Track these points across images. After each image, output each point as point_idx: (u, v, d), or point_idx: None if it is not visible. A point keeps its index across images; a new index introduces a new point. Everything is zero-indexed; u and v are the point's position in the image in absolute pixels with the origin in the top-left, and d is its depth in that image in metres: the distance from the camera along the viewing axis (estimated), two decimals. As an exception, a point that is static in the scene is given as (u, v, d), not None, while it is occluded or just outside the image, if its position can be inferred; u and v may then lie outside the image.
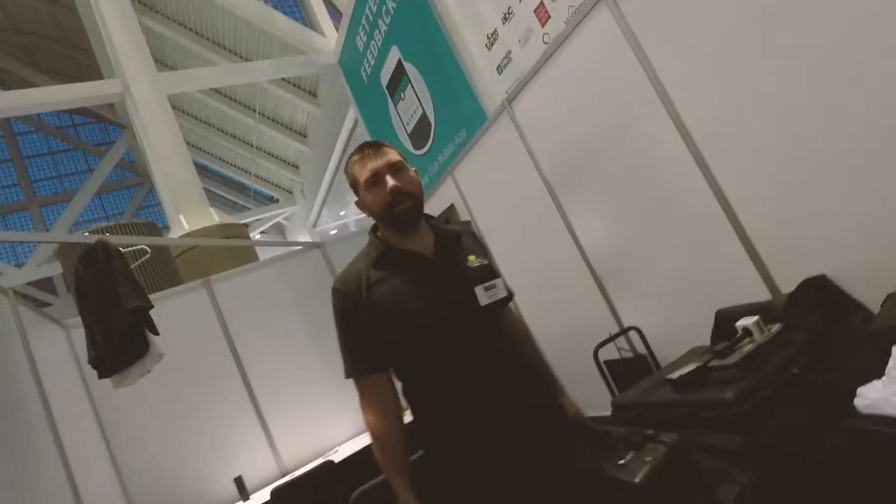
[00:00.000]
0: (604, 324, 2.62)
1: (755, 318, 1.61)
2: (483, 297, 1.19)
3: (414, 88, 4.66)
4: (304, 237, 15.18)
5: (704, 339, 1.98)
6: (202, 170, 15.20)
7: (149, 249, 3.82)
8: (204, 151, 15.39)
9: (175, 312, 3.44)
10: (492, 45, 3.77)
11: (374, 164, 1.22)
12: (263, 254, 6.62)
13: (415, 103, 4.71)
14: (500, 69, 3.73)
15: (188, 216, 6.08)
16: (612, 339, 2.48)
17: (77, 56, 13.93)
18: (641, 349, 2.46)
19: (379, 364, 1.20)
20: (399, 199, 1.20)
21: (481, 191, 3.49)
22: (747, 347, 1.55)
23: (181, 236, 5.76)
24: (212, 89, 11.43)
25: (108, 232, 5.78)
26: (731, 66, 1.79)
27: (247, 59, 10.26)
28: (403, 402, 1.24)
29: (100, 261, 2.57)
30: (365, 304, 1.17)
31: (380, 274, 1.20)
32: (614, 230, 2.49)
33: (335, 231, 15.80)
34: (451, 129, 4.26)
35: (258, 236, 15.87)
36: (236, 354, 3.60)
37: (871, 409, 1.16)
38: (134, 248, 3.82)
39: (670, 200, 2.14)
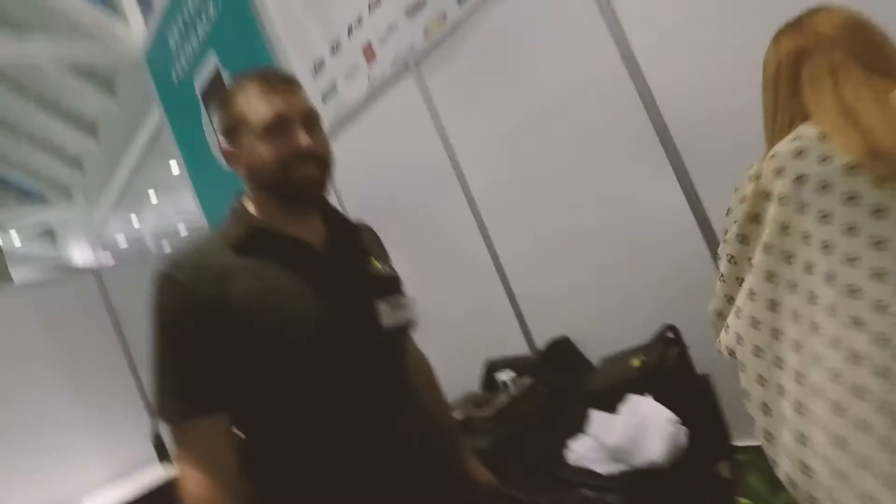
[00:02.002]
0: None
1: (511, 373, 1.84)
2: (387, 314, 0.87)
3: (231, 102, 4.31)
4: (84, 249, 12.90)
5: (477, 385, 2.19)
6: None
7: None
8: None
9: None
10: (318, 72, 3.67)
11: (285, 105, 0.84)
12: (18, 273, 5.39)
13: (231, 118, 4.36)
14: (325, 98, 3.64)
15: None
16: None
17: None
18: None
19: (222, 399, 0.79)
20: (306, 164, 0.83)
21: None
22: (502, 399, 1.73)
23: None
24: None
25: None
26: (510, 147, 2.03)
27: (20, 27, 8.47)
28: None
29: None
30: (216, 305, 0.77)
31: (244, 263, 0.81)
32: (407, 281, 2.62)
33: (126, 246, 13.72)
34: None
35: (18, 244, 12.99)
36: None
37: (573, 461, 1.35)
38: None
39: (457, 257, 2.35)
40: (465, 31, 2.05)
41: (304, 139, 0.83)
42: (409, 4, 2.82)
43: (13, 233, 12.67)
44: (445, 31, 2.12)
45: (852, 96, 0.76)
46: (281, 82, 0.87)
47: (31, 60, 7.61)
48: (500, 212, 2.13)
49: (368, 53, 3.32)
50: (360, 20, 3.29)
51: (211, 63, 4.39)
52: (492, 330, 2.23)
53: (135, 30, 7.64)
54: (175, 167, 10.05)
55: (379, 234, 1.08)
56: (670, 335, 1.49)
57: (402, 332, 0.93)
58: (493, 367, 2.09)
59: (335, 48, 3.53)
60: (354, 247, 0.95)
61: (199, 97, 4.67)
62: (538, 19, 1.85)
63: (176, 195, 11.86)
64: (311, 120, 0.87)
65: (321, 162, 0.86)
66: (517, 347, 2.14)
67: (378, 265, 0.95)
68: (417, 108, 2.26)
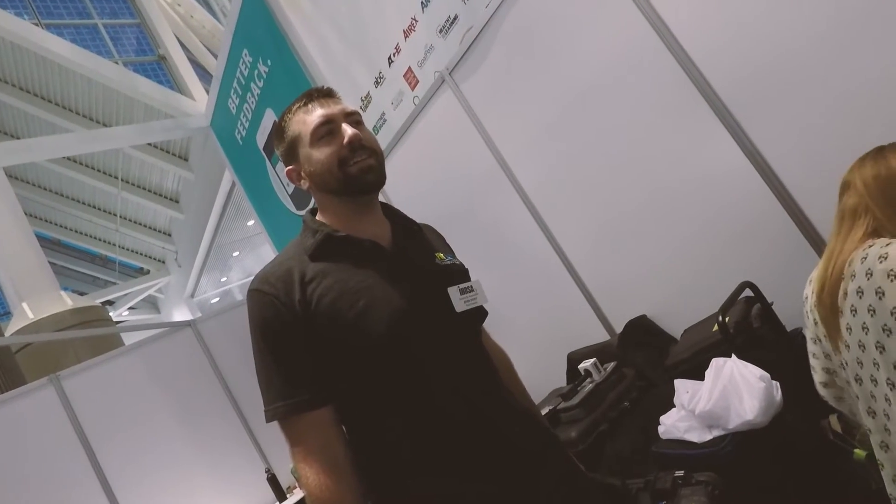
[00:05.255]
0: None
1: (593, 359, 1.80)
2: (458, 300, 0.91)
3: (291, 150, 4.57)
4: (182, 310, 13.98)
5: (563, 381, 2.14)
6: (54, 244, 13.56)
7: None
8: (56, 224, 13.78)
9: (16, 418, 2.93)
10: (366, 107, 3.83)
11: (327, 109, 0.92)
12: (129, 338, 5.96)
13: (293, 165, 4.62)
14: (376, 129, 3.79)
15: (33, 302, 5.31)
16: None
17: None
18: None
19: (325, 394, 0.84)
20: (359, 154, 0.90)
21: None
22: (588, 387, 1.70)
23: (24, 327, 4.99)
24: (65, 158, 10.38)
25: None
26: (555, 137, 2.03)
27: (105, 125, 9.50)
28: None
29: None
30: (300, 309, 0.83)
31: (320, 267, 0.87)
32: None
33: (216, 300, 14.74)
34: (330, 190, 4.20)
35: (126, 313, 14.33)
36: (94, 459, 3.12)
37: (666, 435, 1.32)
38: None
39: (520, 257, 2.33)
40: (490, 34, 2.11)
41: (350, 130, 0.90)
42: (440, 24, 2.91)
43: (121, 306, 14.00)
44: (470, 37, 2.18)
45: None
46: (319, 94, 0.95)
47: (116, 146, 8.49)
48: (555, 203, 2.13)
49: (410, 78, 3.44)
50: (397, 49, 3.42)
51: (269, 118, 4.71)
52: (569, 323, 2.21)
53: (199, 101, 8.35)
54: (251, 223, 10.74)
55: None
56: (749, 293, 1.42)
57: (475, 317, 0.95)
58: (575, 359, 2.06)
59: (379, 81, 3.68)
60: (419, 242, 1.00)
61: (262, 151, 5.00)
62: (558, 7, 1.86)
63: (255, 249, 12.67)
64: (353, 119, 0.94)
65: (372, 151, 0.92)
66: (597, 336, 2.11)
67: (443, 257, 0.99)
68: (459, 117, 2.33)
